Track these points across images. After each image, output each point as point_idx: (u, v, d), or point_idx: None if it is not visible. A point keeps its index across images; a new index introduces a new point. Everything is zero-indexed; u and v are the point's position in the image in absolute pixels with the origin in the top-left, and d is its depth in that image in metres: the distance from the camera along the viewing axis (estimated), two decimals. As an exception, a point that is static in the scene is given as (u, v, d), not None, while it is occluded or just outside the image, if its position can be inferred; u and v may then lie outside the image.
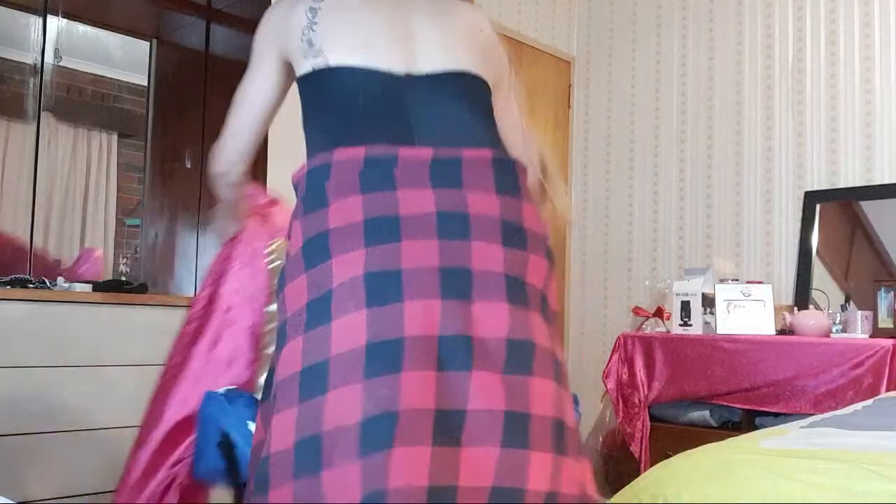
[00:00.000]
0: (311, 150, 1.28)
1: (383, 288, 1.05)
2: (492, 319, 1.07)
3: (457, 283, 1.07)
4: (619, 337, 3.47)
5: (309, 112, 1.33)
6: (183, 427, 1.49)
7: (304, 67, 1.33)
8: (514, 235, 1.15)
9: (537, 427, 1.04)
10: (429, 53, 1.30)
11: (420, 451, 0.97)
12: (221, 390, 1.45)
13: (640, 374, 3.30)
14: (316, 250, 1.10)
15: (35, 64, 2.65)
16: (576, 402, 1.21)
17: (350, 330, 1.03)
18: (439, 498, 0.96)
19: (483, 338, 1.06)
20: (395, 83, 1.25)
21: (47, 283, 2.35)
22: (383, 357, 1.01)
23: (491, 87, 1.41)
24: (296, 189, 1.26)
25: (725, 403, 3.08)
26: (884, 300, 3.14)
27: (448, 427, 1.00)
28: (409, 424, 0.98)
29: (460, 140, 1.21)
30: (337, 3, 1.33)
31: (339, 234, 1.09)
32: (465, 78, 1.34)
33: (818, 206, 3.64)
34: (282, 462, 1.01)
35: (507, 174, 1.21)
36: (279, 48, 1.39)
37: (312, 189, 1.18)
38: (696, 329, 3.38)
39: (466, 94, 1.33)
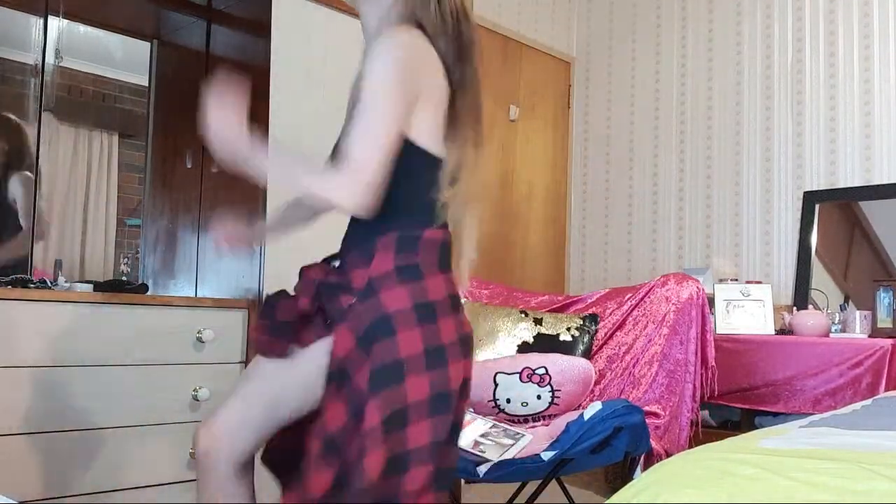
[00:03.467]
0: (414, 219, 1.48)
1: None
2: None
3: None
4: (618, 337, 3.47)
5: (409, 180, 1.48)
6: None
7: (436, 147, 1.49)
8: None
9: None
10: None
11: None
12: None
13: (640, 373, 3.30)
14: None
15: (36, 64, 2.65)
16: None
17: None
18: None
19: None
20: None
21: (48, 282, 2.36)
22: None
23: None
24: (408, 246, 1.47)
25: (725, 403, 3.08)
26: (883, 300, 3.14)
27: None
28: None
29: None
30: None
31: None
32: None
33: (817, 207, 3.64)
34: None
35: None
36: (414, 95, 1.44)
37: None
38: (695, 329, 3.38)
39: None
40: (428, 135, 1.47)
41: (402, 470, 1.36)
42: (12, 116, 2.62)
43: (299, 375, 1.45)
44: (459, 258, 1.55)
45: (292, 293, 1.52)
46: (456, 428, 1.48)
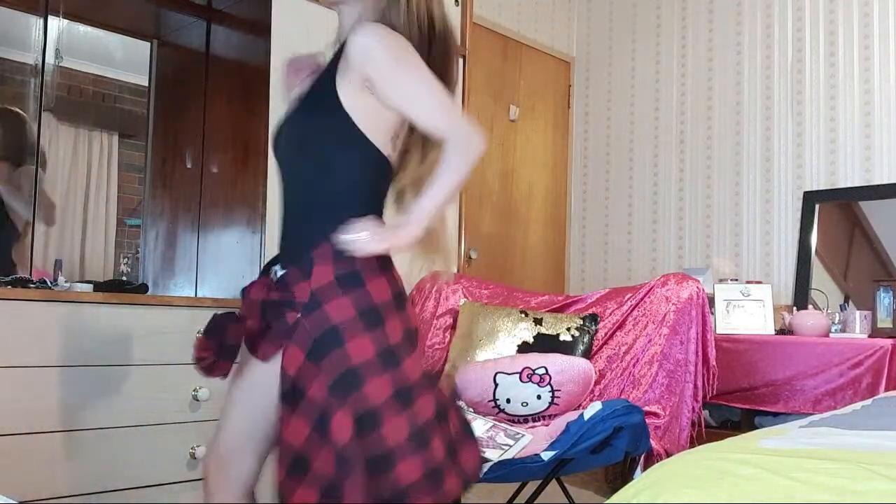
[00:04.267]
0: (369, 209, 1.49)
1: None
2: None
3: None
4: (618, 337, 3.47)
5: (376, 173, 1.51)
6: None
7: (386, 147, 1.51)
8: None
9: None
10: None
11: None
12: None
13: (640, 373, 3.30)
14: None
15: (36, 64, 2.65)
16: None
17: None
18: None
19: None
20: None
21: (48, 282, 2.36)
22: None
23: None
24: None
25: (725, 403, 3.08)
26: (883, 300, 3.14)
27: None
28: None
29: None
30: None
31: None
32: None
33: (817, 207, 3.64)
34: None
35: None
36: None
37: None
38: (695, 329, 3.38)
39: None
40: (382, 132, 1.47)
41: (389, 467, 1.37)
42: (20, 111, 2.62)
43: (268, 395, 1.45)
44: (435, 251, 1.54)
45: (240, 314, 1.53)
46: (429, 426, 1.45)
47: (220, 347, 1.52)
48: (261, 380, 1.47)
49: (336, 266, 1.42)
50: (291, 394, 1.38)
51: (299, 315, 1.40)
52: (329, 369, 1.37)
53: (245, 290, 1.54)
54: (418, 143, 1.54)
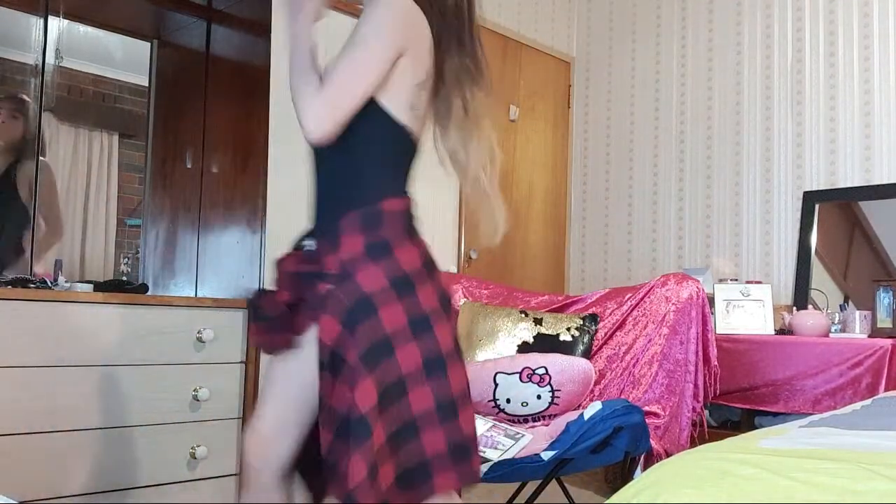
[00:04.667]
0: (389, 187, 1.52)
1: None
2: None
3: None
4: (618, 337, 3.47)
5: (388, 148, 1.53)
6: None
7: (403, 116, 1.51)
8: None
9: None
10: None
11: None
12: None
13: (640, 373, 3.30)
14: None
15: (36, 64, 2.65)
16: None
17: None
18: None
19: None
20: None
21: (48, 282, 2.36)
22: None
23: None
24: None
25: (725, 403, 3.08)
26: (882, 300, 3.14)
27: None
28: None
29: None
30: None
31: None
32: None
33: (817, 207, 3.65)
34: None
35: None
36: (401, 49, 1.49)
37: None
38: (695, 329, 3.38)
39: None
40: (397, 101, 1.49)
41: (415, 435, 1.40)
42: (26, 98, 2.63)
43: (307, 370, 1.46)
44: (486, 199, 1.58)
45: (273, 288, 1.55)
46: (458, 399, 1.47)
47: (267, 324, 1.54)
48: (299, 354, 1.50)
49: (364, 236, 1.45)
50: (331, 362, 1.40)
51: (331, 286, 1.42)
52: (362, 338, 1.38)
53: (277, 263, 1.56)
54: (458, 97, 1.57)
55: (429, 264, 1.51)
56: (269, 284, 1.57)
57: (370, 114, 1.47)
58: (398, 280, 1.44)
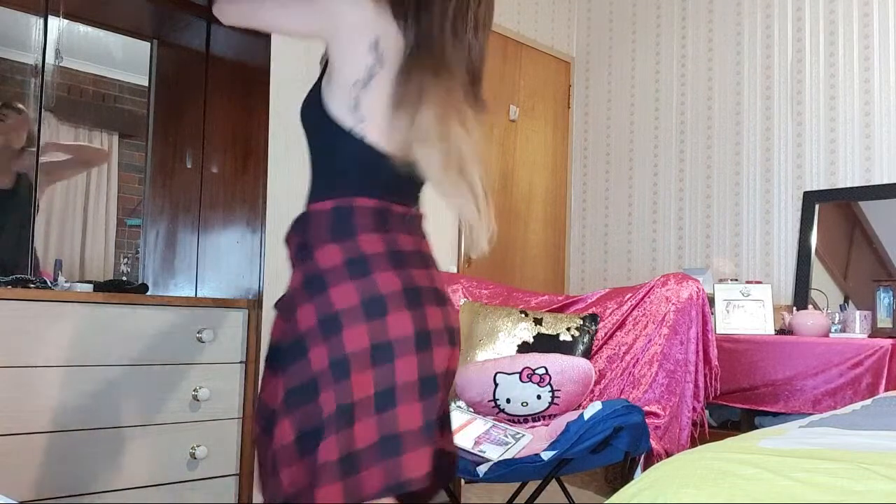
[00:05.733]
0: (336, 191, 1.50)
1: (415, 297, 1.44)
2: (455, 315, 1.53)
3: (440, 296, 1.49)
4: (618, 337, 3.47)
5: (333, 153, 1.52)
6: None
7: (344, 120, 1.47)
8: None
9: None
10: None
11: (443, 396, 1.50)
12: None
13: (640, 373, 3.30)
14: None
15: (36, 64, 2.65)
16: None
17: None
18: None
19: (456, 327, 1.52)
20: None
21: (48, 282, 2.36)
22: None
23: None
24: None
25: (725, 403, 3.08)
26: (882, 300, 3.14)
27: (448, 384, 1.51)
28: (441, 381, 1.45)
29: None
30: (388, 75, 1.47)
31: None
32: None
33: (817, 207, 3.64)
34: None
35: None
36: (324, 33, 1.50)
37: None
38: (695, 329, 3.38)
39: None
40: (332, 101, 1.48)
41: (350, 423, 1.35)
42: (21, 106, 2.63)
43: None
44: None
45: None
46: (414, 388, 1.40)
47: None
48: None
49: (331, 220, 1.46)
50: (299, 348, 1.44)
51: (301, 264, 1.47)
52: (317, 311, 1.40)
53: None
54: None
55: (393, 254, 1.46)
56: None
57: (321, 119, 1.55)
58: (354, 261, 1.42)
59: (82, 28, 2.83)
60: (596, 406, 2.09)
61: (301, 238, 1.49)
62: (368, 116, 1.45)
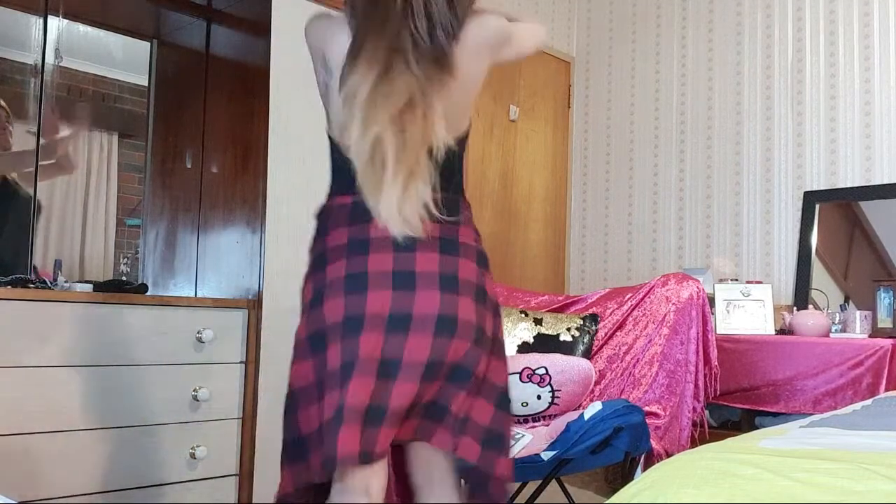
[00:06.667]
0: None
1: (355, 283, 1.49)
2: (428, 302, 1.48)
3: (404, 280, 1.48)
4: (618, 337, 3.47)
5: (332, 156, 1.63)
6: None
7: (329, 130, 1.64)
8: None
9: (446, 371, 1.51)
10: None
11: (367, 381, 1.45)
12: None
13: (640, 373, 3.30)
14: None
15: (35, 64, 2.65)
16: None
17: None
18: (373, 413, 1.44)
19: (421, 314, 1.47)
20: None
21: (48, 282, 2.36)
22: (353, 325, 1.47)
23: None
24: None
25: (725, 403, 3.08)
26: (883, 300, 3.14)
27: (387, 371, 1.46)
28: (363, 366, 1.45)
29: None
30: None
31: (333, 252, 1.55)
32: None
33: (817, 207, 3.64)
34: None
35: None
36: (321, 61, 1.63)
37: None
38: (695, 329, 3.38)
39: None
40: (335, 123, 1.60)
41: (295, 411, 1.54)
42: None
43: None
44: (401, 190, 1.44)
45: None
46: (344, 372, 1.47)
47: None
48: None
49: (316, 223, 1.62)
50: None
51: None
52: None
53: None
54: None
55: (356, 243, 1.51)
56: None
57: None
58: (319, 255, 1.56)
59: (82, 28, 2.83)
60: (596, 406, 2.09)
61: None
62: (335, 120, 1.59)
